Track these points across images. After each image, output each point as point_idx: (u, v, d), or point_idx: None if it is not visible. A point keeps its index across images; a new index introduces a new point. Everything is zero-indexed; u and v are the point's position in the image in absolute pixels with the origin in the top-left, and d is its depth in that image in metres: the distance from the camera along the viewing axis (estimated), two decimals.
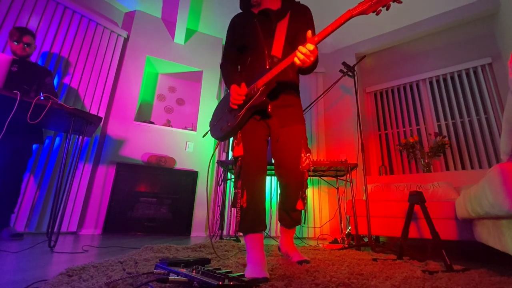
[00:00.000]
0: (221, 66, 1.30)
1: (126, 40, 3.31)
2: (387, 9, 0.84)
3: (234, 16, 1.29)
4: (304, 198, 1.20)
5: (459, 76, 3.08)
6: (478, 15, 2.97)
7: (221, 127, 1.17)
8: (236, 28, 1.26)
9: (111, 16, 3.28)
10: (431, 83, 3.26)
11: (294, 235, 1.51)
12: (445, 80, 3.17)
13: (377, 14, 0.86)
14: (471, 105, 2.92)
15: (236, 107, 1.12)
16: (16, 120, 1.64)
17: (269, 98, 1.10)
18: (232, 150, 1.16)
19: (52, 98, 1.59)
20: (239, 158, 1.11)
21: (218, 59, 3.76)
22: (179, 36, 3.50)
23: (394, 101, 3.48)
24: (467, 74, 3.03)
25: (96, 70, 2.97)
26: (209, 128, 1.26)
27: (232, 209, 3.18)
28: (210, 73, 3.66)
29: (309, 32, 0.93)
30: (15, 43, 2.03)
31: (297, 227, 1.42)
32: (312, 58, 0.94)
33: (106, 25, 3.11)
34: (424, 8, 3.18)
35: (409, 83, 3.39)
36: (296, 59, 0.95)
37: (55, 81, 2.64)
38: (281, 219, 1.31)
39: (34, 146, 2.27)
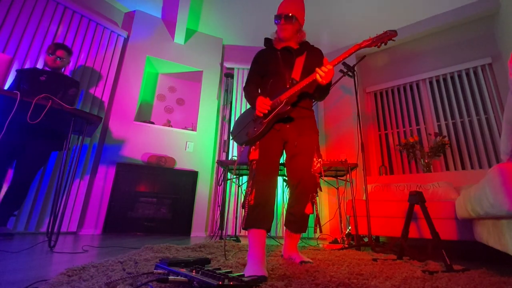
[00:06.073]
0: (245, 88, 1.49)
1: (126, 40, 3.31)
2: (385, 44, 1.22)
3: (258, 51, 1.52)
4: (314, 202, 1.29)
5: (459, 76, 3.08)
6: (478, 15, 2.97)
7: (247, 133, 1.34)
8: (260, 60, 1.48)
9: (111, 16, 3.28)
10: (431, 83, 3.26)
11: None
12: (445, 80, 3.17)
13: (378, 47, 1.23)
14: (471, 105, 2.92)
15: (261, 115, 1.30)
16: (42, 124, 1.79)
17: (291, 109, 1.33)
18: (248, 154, 1.31)
19: (51, 98, 1.59)
20: (254, 162, 1.24)
21: (218, 59, 3.76)
22: (179, 36, 3.50)
23: (394, 101, 3.48)
24: (467, 74, 3.03)
25: (96, 70, 2.97)
26: (232, 136, 1.45)
27: (233, 209, 3.18)
28: (210, 73, 3.66)
29: (326, 59, 1.21)
30: (49, 55, 2.16)
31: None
32: (330, 76, 1.19)
33: (106, 25, 3.11)
34: (424, 8, 3.17)
35: (409, 83, 3.39)
36: (318, 76, 1.19)
37: None
38: (287, 222, 1.36)
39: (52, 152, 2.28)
